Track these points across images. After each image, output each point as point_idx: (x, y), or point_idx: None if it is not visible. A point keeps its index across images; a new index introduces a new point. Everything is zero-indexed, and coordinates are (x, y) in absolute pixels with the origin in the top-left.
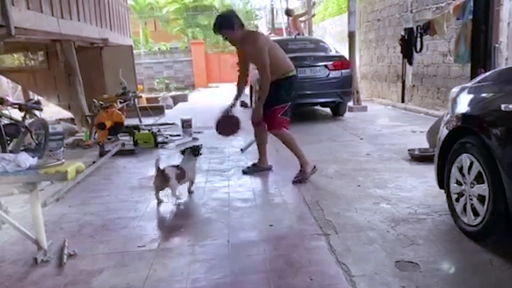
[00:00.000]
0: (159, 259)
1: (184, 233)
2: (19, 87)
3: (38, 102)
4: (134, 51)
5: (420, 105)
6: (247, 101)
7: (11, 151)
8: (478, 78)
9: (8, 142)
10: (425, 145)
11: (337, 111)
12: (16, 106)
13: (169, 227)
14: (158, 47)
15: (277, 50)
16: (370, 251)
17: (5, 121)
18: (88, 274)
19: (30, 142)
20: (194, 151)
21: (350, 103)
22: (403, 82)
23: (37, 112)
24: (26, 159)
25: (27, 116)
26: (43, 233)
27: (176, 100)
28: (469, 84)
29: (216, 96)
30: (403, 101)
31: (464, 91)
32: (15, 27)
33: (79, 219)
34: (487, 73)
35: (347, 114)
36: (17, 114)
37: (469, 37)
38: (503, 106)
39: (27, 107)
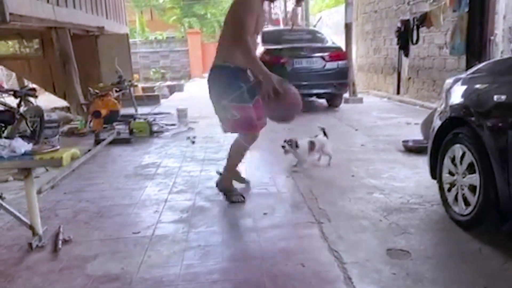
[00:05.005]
0: (154, 246)
1: (179, 220)
2: (14, 74)
3: (33, 89)
4: (130, 40)
5: (416, 97)
6: None
7: (6, 138)
8: (472, 69)
9: (3, 129)
10: (419, 136)
11: (333, 102)
12: (10, 92)
13: (164, 215)
14: (155, 36)
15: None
16: (362, 239)
17: (0, 107)
18: (83, 259)
19: (25, 129)
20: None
21: (346, 95)
22: (399, 74)
23: (32, 99)
24: (21, 145)
25: (22, 103)
26: (38, 219)
27: (172, 89)
28: (463, 75)
29: None
30: (398, 93)
31: (458, 82)
32: (10, 14)
33: (74, 206)
34: (481, 64)
35: (343, 106)
36: (12, 102)
37: (464, 29)
38: (495, 97)
39: (22, 94)
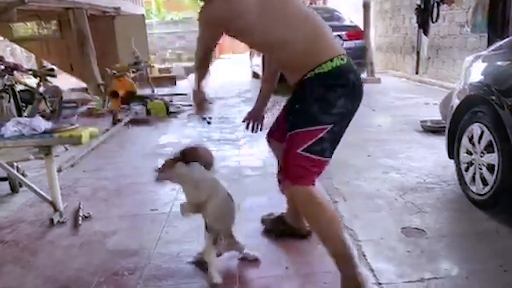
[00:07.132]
0: (171, 222)
1: None
2: (33, 56)
3: (52, 69)
4: (147, 21)
5: (435, 77)
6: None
7: (26, 117)
8: (493, 46)
9: (24, 108)
10: (438, 117)
11: None
12: (30, 72)
13: (181, 192)
14: (171, 17)
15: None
16: (377, 218)
17: (21, 87)
18: (102, 235)
19: (45, 108)
20: None
21: (364, 75)
22: (418, 54)
23: (50, 79)
24: (41, 123)
25: (41, 83)
26: (59, 195)
27: (188, 71)
28: (483, 53)
29: (228, 67)
30: (417, 73)
31: (478, 60)
32: None
33: (93, 183)
34: (503, 41)
35: None
36: (31, 82)
37: (487, 6)
38: None
39: (42, 73)
